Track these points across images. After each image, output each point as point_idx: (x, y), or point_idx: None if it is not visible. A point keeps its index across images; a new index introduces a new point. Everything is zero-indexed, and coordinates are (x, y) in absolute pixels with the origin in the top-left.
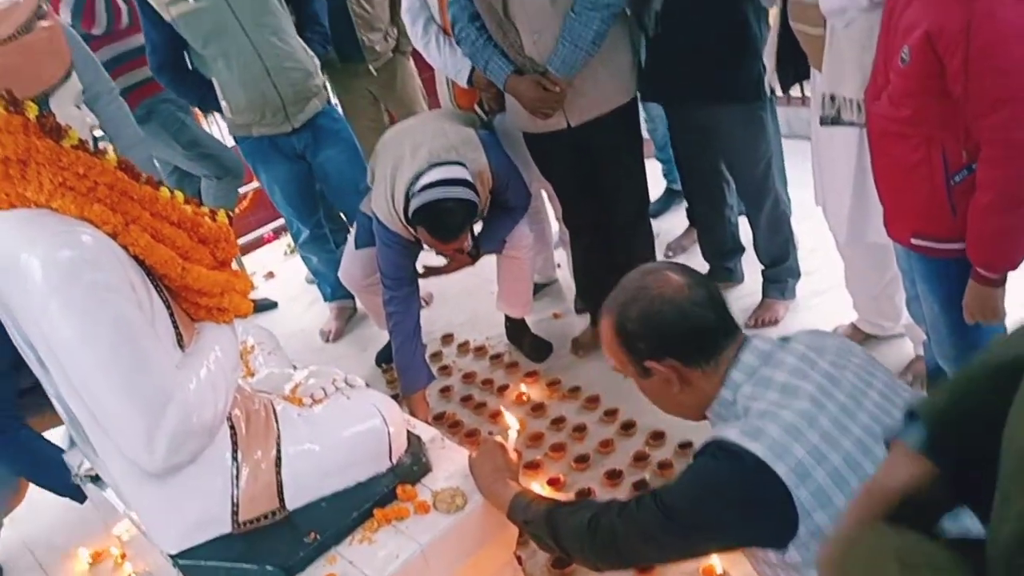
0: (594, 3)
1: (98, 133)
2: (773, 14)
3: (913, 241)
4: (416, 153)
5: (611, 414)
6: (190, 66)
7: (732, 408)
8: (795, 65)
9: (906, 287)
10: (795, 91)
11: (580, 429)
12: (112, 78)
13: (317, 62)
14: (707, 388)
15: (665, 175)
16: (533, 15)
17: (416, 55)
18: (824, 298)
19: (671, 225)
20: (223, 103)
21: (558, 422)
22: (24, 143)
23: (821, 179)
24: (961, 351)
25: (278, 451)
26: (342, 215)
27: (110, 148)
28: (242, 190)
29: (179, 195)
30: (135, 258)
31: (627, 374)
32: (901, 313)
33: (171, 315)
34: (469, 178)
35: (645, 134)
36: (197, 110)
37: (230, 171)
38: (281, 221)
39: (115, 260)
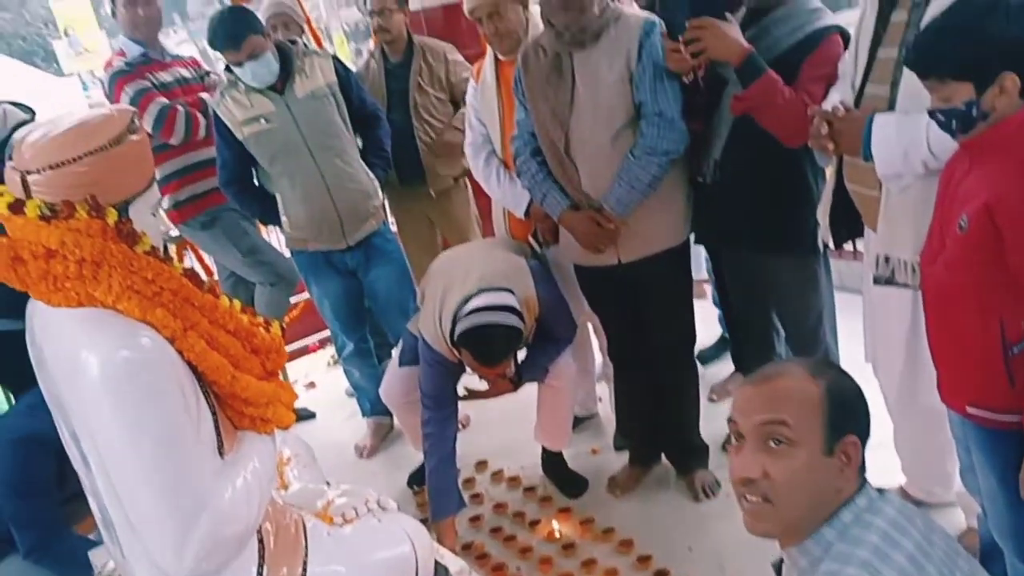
0: (653, 148)
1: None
2: (828, 171)
3: (969, 410)
4: (467, 277)
5: (644, 560)
6: (256, 182)
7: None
8: (849, 222)
9: (960, 455)
10: (848, 245)
11: (611, 573)
12: (181, 185)
13: (377, 184)
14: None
15: (721, 321)
16: (592, 154)
17: (474, 183)
18: (872, 456)
19: (719, 369)
20: (283, 218)
21: (589, 564)
22: (100, 246)
23: (873, 337)
24: (1021, 530)
25: (304, 569)
26: (387, 333)
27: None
28: (293, 299)
29: (236, 304)
30: (188, 363)
31: (799, 444)
32: (953, 480)
33: (215, 421)
34: (516, 305)
35: (704, 275)
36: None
37: (284, 278)
38: (326, 332)
39: (170, 364)
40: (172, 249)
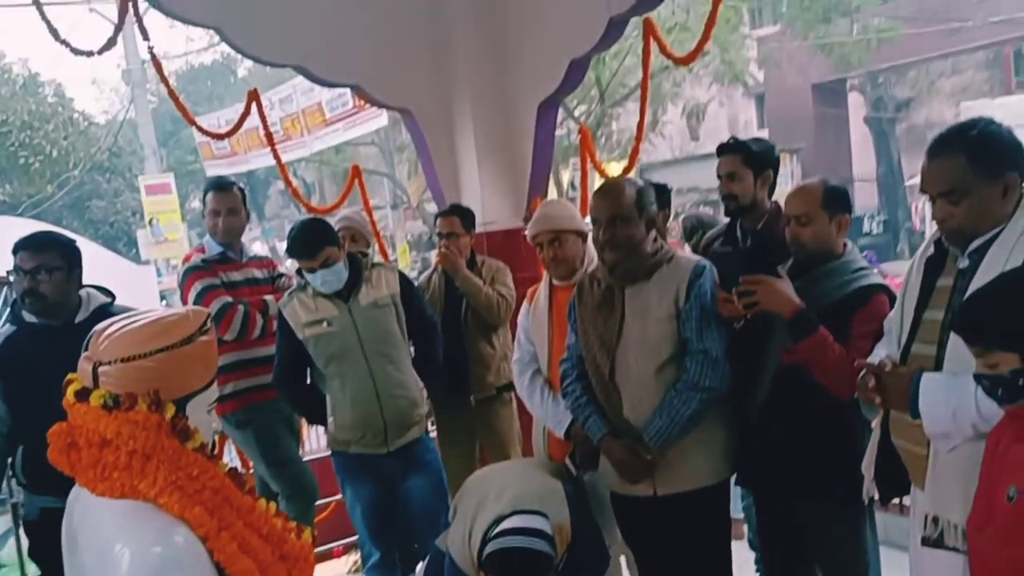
0: (696, 384)
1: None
2: (874, 423)
3: None
4: (501, 496)
5: None
6: (308, 381)
7: None
8: (896, 478)
9: None
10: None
11: None
12: (228, 380)
13: (425, 393)
14: None
15: (758, 564)
16: (636, 383)
17: (517, 400)
18: None
19: None
20: (330, 418)
21: None
22: (154, 440)
23: None
24: None
25: None
26: (415, 546)
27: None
28: (324, 501)
29: (272, 507)
30: (216, 563)
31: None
32: None
33: None
34: (549, 530)
35: (740, 514)
36: (303, 419)
37: (303, 495)
38: (354, 538)
39: (200, 564)
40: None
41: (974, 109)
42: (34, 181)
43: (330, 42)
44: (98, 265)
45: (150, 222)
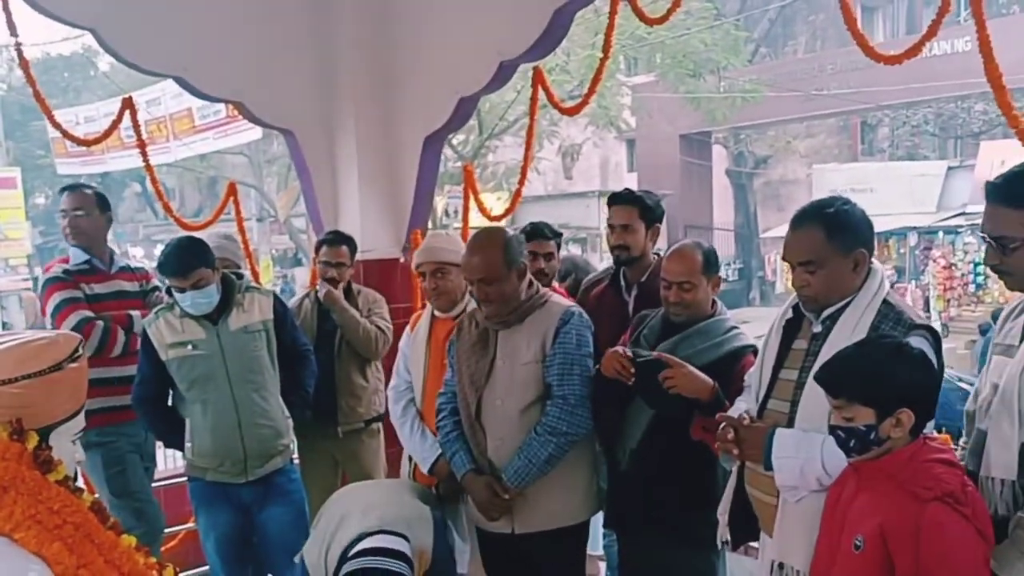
0: (553, 428)
1: None
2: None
3: None
4: (368, 513)
5: None
6: (169, 403)
7: None
8: (747, 524)
9: None
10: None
11: None
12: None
13: (291, 423)
14: None
15: None
16: (501, 423)
17: (387, 430)
18: None
19: None
20: (188, 444)
21: None
22: (13, 471)
23: None
24: None
25: None
26: None
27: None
28: (175, 529)
29: (132, 541)
30: None
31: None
32: None
33: None
34: (409, 554)
35: (602, 550)
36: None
37: (146, 528)
38: (204, 568)
39: None
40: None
41: (825, 171)
42: None
43: (213, 55)
44: None
45: None
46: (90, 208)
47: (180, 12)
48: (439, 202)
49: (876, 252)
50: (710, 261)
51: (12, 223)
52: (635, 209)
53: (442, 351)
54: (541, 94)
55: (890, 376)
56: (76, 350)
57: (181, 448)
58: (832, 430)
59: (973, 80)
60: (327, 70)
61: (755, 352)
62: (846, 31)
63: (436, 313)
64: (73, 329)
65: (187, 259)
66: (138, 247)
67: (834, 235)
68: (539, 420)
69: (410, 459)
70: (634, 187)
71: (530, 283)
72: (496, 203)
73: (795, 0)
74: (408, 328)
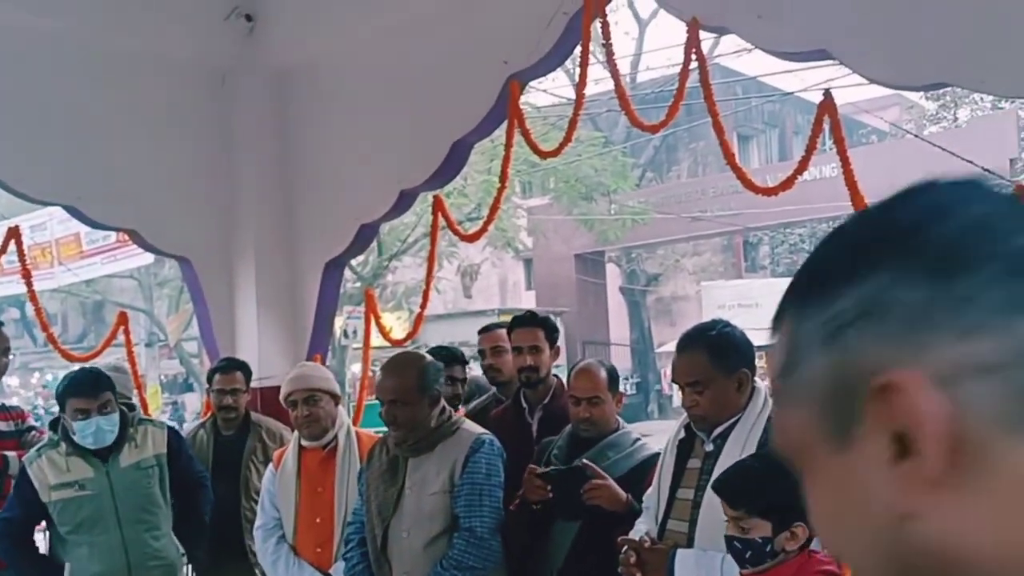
0: (459, 563)
1: None
2: None
3: None
4: None
5: None
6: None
7: None
8: None
9: None
10: None
11: None
12: None
13: (184, 560)
14: None
15: None
16: (406, 556)
17: None
18: None
19: None
20: None
21: None
22: None
23: None
24: None
25: None
26: None
27: None
28: None
29: None
30: None
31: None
32: None
33: None
34: None
35: None
36: None
37: None
38: None
39: None
40: None
41: (713, 287)
42: None
43: (107, 184)
44: None
45: None
46: None
47: (72, 140)
48: (338, 323)
49: (762, 364)
50: (613, 378)
51: None
52: (540, 330)
53: (313, 482)
54: (441, 219)
55: (787, 490)
56: None
57: None
58: (728, 541)
59: (842, 203)
60: (226, 198)
61: None
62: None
63: (304, 443)
64: None
65: (95, 381)
66: (14, 376)
67: (717, 357)
68: (445, 554)
69: None
70: (532, 305)
71: (443, 409)
72: (396, 323)
73: (677, 130)
74: (272, 465)
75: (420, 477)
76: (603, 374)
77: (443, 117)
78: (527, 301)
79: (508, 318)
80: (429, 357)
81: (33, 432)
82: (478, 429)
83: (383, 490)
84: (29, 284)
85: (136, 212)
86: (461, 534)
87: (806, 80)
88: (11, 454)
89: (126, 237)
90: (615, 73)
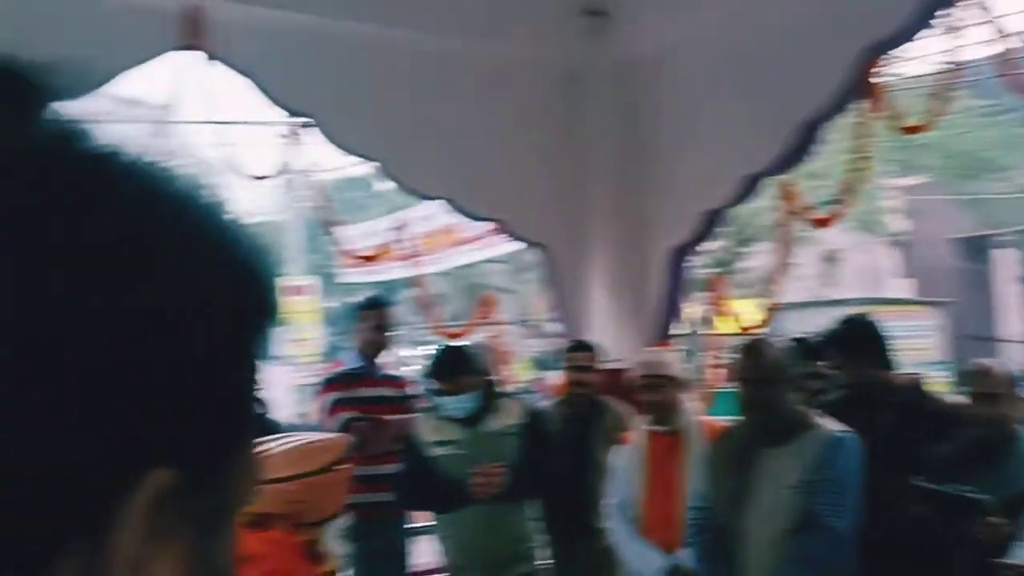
0: (816, 561)
1: None
2: None
3: None
4: None
5: None
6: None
7: None
8: None
9: None
10: None
11: None
12: None
13: (532, 528)
14: None
15: None
16: (754, 547)
17: None
18: None
19: None
20: (440, 544)
21: None
22: (290, 561)
23: None
24: None
25: None
26: None
27: None
28: None
29: None
30: None
31: None
32: None
33: None
34: None
35: None
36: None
37: None
38: None
39: None
40: None
41: None
42: None
43: (477, 180)
44: None
45: (288, 322)
46: (389, 325)
47: (450, 142)
48: (689, 310)
49: None
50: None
51: (307, 326)
52: None
53: (659, 466)
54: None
55: None
56: (344, 454)
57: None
58: None
59: None
60: (577, 187)
61: None
62: None
63: (650, 427)
64: (339, 428)
65: (453, 366)
66: (408, 348)
67: None
68: (799, 550)
69: None
70: (908, 294)
71: (799, 401)
72: (750, 310)
73: None
74: (619, 446)
75: (773, 469)
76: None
77: (790, 97)
78: (897, 289)
79: (874, 309)
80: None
81: (415, 399)
82: (836, 425)
83: (732, 479)
84: (414, 266)
85: (502, 203)
86: (821, 532)
87: None
88: (395, 417)
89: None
90: (999, 34)
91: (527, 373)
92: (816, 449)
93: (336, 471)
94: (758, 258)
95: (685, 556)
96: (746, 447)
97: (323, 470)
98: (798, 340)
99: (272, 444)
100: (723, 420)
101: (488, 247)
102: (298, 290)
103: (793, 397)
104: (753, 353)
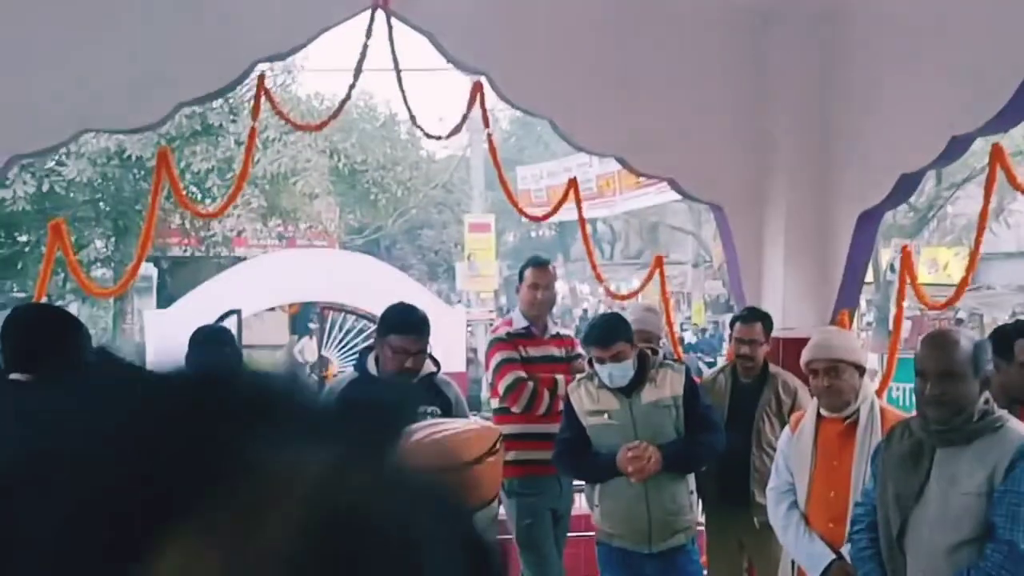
0: None
1: None
2: None
3: None
4: None
5: None
6: None
7: None
8: None
9: None
10: None
11: None
12: (509, 449)
13: (694, 501)
14: None
15: None
16: (925, 554)
17: None
18: None
19: None
20: (596, 507)
21: None
22: None
23: None
24: None
25: None
26: None
27: None
28: None
29: None
30: None
31: None
32: None
33: None
34: None
35: None
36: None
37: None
38: None
39: None
40: None
41: None
42: (380, 214)
43: (649, 137)
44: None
45: (468, 257)
46: (554, 283)
47: (622, 100)
48: (884, 255)
49: None
50: None
51: (485, 263)
52: None
53: (829, 454)
54: (1001, 174)
55: None
56: (494, 445)
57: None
58: None
59: None
60: (759, 147)
61: None
62: None
63: (823, 413)
64: (507, 387)
65: (610, 333)
66: (585, 284)
67: None
68: (974, 563)
69: (792, 562)
70: None
71: (986, 400)
72: (954, 259)
73: None
74: (788, 429)
75: (950, 472)
76: None
77: (1009, 51)
78: None
79: None
80: (977, 337)
81: (580, 359)
82: None
83: (904, 477)
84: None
85: (674, 162)
86: (999, 546)
87: None
88: (560, 377)
89: None
90: None
91: (702, 315)
92: (1000, 455)
93: (485, 463)
94: (965, 204)
95: (847, 553)
96: (919, 443)
97: (473, 462)
98: (996, 331)
99: (421, 434)
100: (903, 413)
101: (665, 190)
102: (478, 227)
103: (981, 394)
104: (938, 345)
